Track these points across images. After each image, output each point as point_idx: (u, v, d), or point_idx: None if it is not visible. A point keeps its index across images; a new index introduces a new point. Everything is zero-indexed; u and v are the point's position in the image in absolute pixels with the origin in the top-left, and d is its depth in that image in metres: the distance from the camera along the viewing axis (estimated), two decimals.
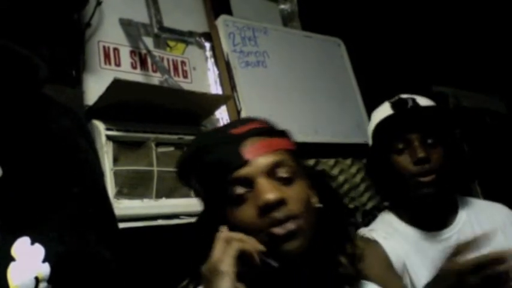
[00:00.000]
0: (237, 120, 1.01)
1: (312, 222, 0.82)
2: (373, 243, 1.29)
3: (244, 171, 0.81)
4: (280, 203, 0.78)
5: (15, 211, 0.50)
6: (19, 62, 0.59)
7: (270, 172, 0.81)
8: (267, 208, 0.78)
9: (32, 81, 0.59)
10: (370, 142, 1.36)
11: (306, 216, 0.81)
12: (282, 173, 0.82)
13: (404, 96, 1.30)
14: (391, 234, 1.30)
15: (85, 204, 0.58)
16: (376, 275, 1.19)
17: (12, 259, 0.49)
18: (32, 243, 0.50)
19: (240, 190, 0.80)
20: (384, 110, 1.30)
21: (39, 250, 0.50)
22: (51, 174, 0.55)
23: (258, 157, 0.82)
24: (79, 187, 0.58)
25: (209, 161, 0.84)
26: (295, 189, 0.82)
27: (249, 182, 0.81)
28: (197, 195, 0.90)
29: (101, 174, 0.66)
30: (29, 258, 0.50)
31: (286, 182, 0.82)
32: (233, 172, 0.81)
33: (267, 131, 0.88)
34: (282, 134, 0.91)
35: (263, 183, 0.79)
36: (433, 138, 1.24)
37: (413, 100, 1.27)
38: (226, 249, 0.72)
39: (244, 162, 0.81)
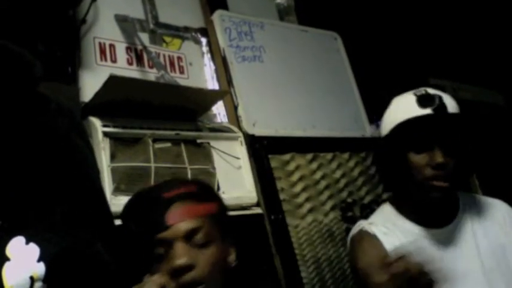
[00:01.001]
0: (172, 182, 1.11)
1: (222, 283, 0.96)
2: (373, 238, 1.29)
3: (164, 235, 0.94)
4: (189, 268, 0.91)
5: (10, 210, 0.50)
6: (13, 60, 0.59)
7: (187, 237, 0.95)
8: (176, 272, 0.91)
9: (26, 79, 0.59)
10: (385, 131, 1.33)
11: (215, 279, 0.94)
12: (198, 238, 0.95)
13: (431, 92, 1.27)
14: (391, 230, 1.31)
15: (81, 203, 0.58)
16: (371, 273, 1.19)
17: (7, 259, 0.48)
18: (27, 242, 0.50)
19: (160, 250, 0.94)
20: (409, 104, 1.27)
21: (34, 249, 0.50)
22: (47, 173, 0.55)
23: (179, 222, 0.95)
24: (75, 186, 0.57)
25: (141, 220, 0.98)
26: (208, 254, 0.96)
27: (169, 244, 0.94)
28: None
29: (97, 172, 0.66)
30: (23, 257, 0.49)
31: (202, 246, 0.96)
32: (157, 234, 0.94)
33: (194, 195, 1.01)
34: (210, 198, 1.05)
35: (178, 248, 0.93)
36: (453, 145, 1.24)
37: (440, 99, 1.25)
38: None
39: (166, 227, 0.94)
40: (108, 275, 0.61)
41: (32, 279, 0.51)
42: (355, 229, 1.36)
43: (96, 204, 0.62)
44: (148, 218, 0.97)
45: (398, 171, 1.29)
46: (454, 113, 1.26)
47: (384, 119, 1.35)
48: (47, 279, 0.52)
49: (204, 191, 1.08)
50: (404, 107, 1.28)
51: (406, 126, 1.26)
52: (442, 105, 1.24)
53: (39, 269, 0.52)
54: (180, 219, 0.96)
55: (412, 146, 1.25)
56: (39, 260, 0.51)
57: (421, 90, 1.28)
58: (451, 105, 1.26)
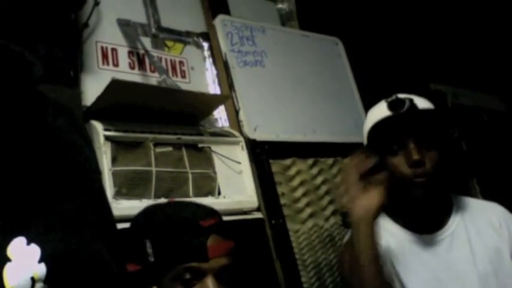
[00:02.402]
0: (202, 209, 1.11)
1: None
2: None
3: (201, 265, 0.99)
4: None
5: (10, 211, 0.50)
6: (12, 59, 0.59)
7: (219, 272, 1.00)
8: None
9: (25, 79, 0.59)
10: (365, 141, 1.36)
11: None
12: (226, 277, 1.02)
13: (401, 96, 1.29)
14: (383, 239, 1.30)
15: (82, 203, 0.58)
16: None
17: (7, 259, 0.48)
18: (28, 243, 0.50)
19: (188, 276, 0.98)
20: (381, 110, 1.29)
21: (35, 250, 0.50)
22: (47, 173, 0.55)
23: (217, 257, 1.01)
24: (75, 185, 0.57)
25: (170, 243, 1.01)
26: None
27: (200, 274, 0.99)
28: (141, 254, 1.03)
29: (98, 172, 0.65)
30: (25, 258, 0.49)
31: (227, 285, 1.02)
32: (190, 262, 0.99)
33: (222, 228, 1.06)
34: (230, 233, 1.09)
35: (210, 282, 0.99)
36: (428, 141, 1.24)
37: (411, 101, 1.26)
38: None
39: (206, 259, 0.99)
40: (109, 275, 0.61)
41: (33, 280, 0.51)
42: (348, 236, 1.36)
43: (96, 204, 0.61)
44: (183, 244, 1.00)
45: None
46: (424, 109, 1.26)
47: (363, 130, 1.37)
48: (48, 279, 0.52)
49: (223, 222, 1.11)
50: (376, 114, 1.30)
51: (378, 130, 1.28)
52: (412, 106, 1.25)
53: (40, 269, 0.52)
54: (218, 254, 1.01)
55: (387, 148, 1.26)
56: (40, 261, 0.51)
57: (392, 96, 1.30)
58: (422, 104, 1.27)
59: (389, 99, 1.29)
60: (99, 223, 0.60)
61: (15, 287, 0.49)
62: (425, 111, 1.27)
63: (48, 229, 0.52)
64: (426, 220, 1.32)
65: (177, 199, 1.46)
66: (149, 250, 1.01)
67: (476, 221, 1.32)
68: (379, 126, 1.28)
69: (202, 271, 0.99)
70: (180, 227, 1.02)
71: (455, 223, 1.32)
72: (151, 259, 1.01)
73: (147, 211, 1.13)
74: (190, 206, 1.13)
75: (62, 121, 0.60)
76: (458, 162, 1.36)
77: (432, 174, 1.22)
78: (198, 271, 0.99)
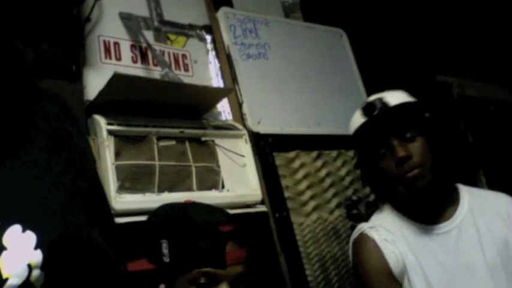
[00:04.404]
0: (220, 213, 1.12)
1: None
2: (373, 243, 1.29)
3: (219, 272, 0.99)
4: None
5: (4, 200, 0.50)
6: (8, 53, 0.59)
7: (235, 280, 1.01)
8: None
9: (16, 67, 0.59)
10: (354, 151, 1.38)
11: None
12: (239, 285, 1.02)
13: (372, 98, 1.31)
14: (391, 233, 1.30)
15: (76, 189, 0.57)
16: (373, 284, 1.22)
17: (3, 248, 0.48)
18: (23, 230, 0.50)
19: (204, 281, 0.99)
20: (357, 118, 1.32)
21: (30, 237, 0.50)
22: (40, 160, 0.54)
23: (234, 265, 1.01)
24: (69, 172, 0.57)
25: (188, 245, 1.01)
26: None
27: (215, 280, 0.99)
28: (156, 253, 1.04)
29: (92, 161, 0.65)
30: (20, 246, 0.49)
31: None
32: (207, 266, 0.99)
33: (237, 235, 1.06)
34: (244, 242, 1.10)
35: None
36: (410, 132, 1.24)
37: (381, 100, 1.27)
38: None
39: (224, 266, 0.99)
40: (105, 261, 0.61)
41: (30, 267, 0.51)
42: (356, 232, 1.36)
43: (91, 191, 0.61)
44: (201, 248, 1.00)
45: (378, 181, 1.31)
46: (396, 104, 1.26)
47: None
48: (44, 266, 0.52)
49: (239, 229, 1.11)
50: (354, 123, 1.34)
51: (358, 137, 1.32)
52: (383, 105, 1.26)
53: (37, 256, 0.51)
54: (235, 262, 1.02)
55: (373, 153, 1.26)
56: (36, 248, 0.51)
57: (364, 102, 1.32)
58: (395, 99, 1.27)
59: (362, 105, 1.31)
60: (94, 210, 0.60)
61: (12, 275, 0.49)
62: (396, 107, 1.27)
63: (43, 215, 0.52)
64: (433, 211, 1.31)
65: (183, 193, 1.46)
66: (165, 251, 1.01)
67: (484, 211, 1.32)
68: (358, 134, 1.31)
69: (218, 277, 0.99)
70: (199, 230, 1.02)
71: (462, 214, 1.31)
72: (166, 260, 1.01)
73: (165, 210, 1.13)
74: (208, 209, 1.13)
75: (54, 110, 0.60)
76: (464, 154, 1.35)
77: (423, 164, 1.22)
78: (214, 277, 0.99)
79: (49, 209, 0.53)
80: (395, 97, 1.29)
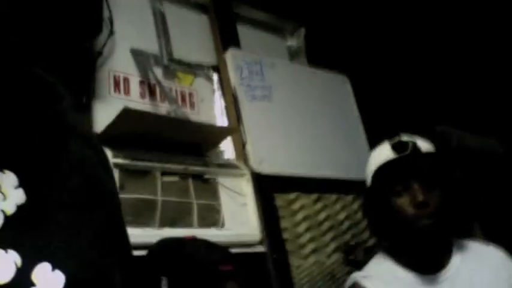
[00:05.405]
0: (221, 252, 1.15)
1: None
2: None
3: None
4: None
5: (37, 237, 0.51)
6: (45, 90, 0.61)
7: None
8: None
9: (55, 110, 0.61)
10: (368, 182, 1.37)
11: None
12: None
13: (404, 138, 1.31)
14: (385, 283, 1.30)
15: (104, 233, 0.58)
16: None
17: (32, 284, 0.49)
18: (53, 269, 0.50)
19: None
20: (384, 152, 1.31)
21: (59, 277, 0.51)
22: (72, 202, 0.56)
23: None
24: (98, 215, 0.58)
25: (189, 284, 1.02)
26: None
27: None
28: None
29: (119, 204, 0.66)
30: (49, 284, 0.50)
31: None
32: None
33: (237, 275, 1.08)
34: (244, 279, 1.11)
35: None
36: (432, 182, 1.25)
37: (414, 144, 1.29)
38: None
39: None
40: None
41: None
42: (350, 281, 1.35)
43: (118, 235, 0.62)
44: (200, 287, 1.02)
45: (386, 219, 1.31)
46: (426, 152, 1.28)
47: (366, 171, 1.39)
48: None
49: (239, 268, 1.12)
50: (380, 156, 1.32)
51: (383, 171, 1.29)
52: (415, 149, 1.27)
53: None
54: None
55: (392, 190, 1.27)
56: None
57: (395, 138, 1.32)
58: (425, 147, 1.29)
59: (393, 141, 1.31)
60: (119, 254, 0.60)
61: None
62: (428, 154, 1.29)
63: (72, 256, 0.52)
64: (429, 260, 1.31)
65: (183, 229, 1.46)
66: (164, 287, 1.01)
67: (476, 263, 1.32)
68: (384, 169, 1.30)
69: None
70: (199, 269, 1.03)
71: (456, 264, 1.31)
72: None
73: (166, 246, 1.13)
74: (209, 247, 1.13)
75: (87, 153, 0.62)
76: (462, 205, 1.37)
77: (437, 215, 1.23)
78: None
79: (78, 250, 0.54)
80: (425, 145, 1.30)
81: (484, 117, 3.31)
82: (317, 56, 2.43)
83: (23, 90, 0.59)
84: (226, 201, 1.66)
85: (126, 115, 1.41)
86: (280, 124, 2.02)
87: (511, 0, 2.98)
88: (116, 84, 1.68)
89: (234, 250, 1.54)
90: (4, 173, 0.51)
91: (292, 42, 2.46)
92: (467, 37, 3.13)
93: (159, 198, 1.47)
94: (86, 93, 1.56)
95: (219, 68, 2.01)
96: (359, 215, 2.03)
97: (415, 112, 2.68)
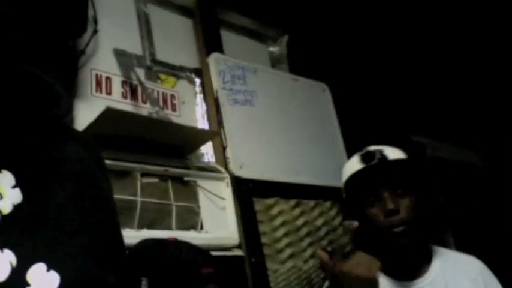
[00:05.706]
0: (202, 254, 1.15)
1: None
2: None
3: None
4: None
5: (33, 237, 0.51)
6: (43, 90, 0.61)
7: None
8: None
9: (53, 111, 0.61)
10: (343, 195, 1.40)
11: None
12: None
13: (371, 148, 1.34)
14: None
15: (100, 234, 0.59)
16: None
17: (27, 284, 0.49)
18: (48, 269, 0.50)
19: None
20: (353, 164, 1.34)
21: (54, 277, 0.50)
22: (68, 203, 0.56)
23: None
24: (94, 217, 0.59)
25: (169, 285, 1.03)
26: None
27: None
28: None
29: (114, 206, 0.67)
30: (44, 284, 0.50)
31: None
32: None
33: (219, 278, 1.10)
34: (224, 282, 1.13)
35: None
36: (402, 188, 1.27)
37: (381, 152, 1.31)
38: None
39: None
40: None
41: None
42: (325, 286, 1.37)
43: (113, 236, 0.63)
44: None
45: (361, 228, 1.33)
46: (393, 159, 1.31)
47: (341, 184, 1.41)
48: None
49: (219, 271, 1.13)
50: (350, 168, 1.35)
51: (352, 182, 1.33)
52: (383, 157, 1.30)
53: None
54: None
55: (366, 200, 1.29)
56: None
57: (364, 150, 1.35)
58: (393, 154, 1.32)
59: (361, 153, 1.34)
60: (113, 256, 0.61)
61: None
62: (396, 161, 1.32)
63: (67, 257, 0.52)
64: (407, 267, 1.33)
65: (162, 231, 1.45)
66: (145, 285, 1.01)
67: (454, 272, 1.35)
68: (353, 179, 1.33)
69: None
70: (181, 271, 1.03)
71: (434, 272, 1.33)
72: None
73: (148, 247, 1.13)
74: (191, 249, 1.13)
75: (84, 154, 0.62)
76: (434, 214, 1.39)
77: (409, 221, 1.25)
78: None
79: (74, 252, 0.53)
80: (394, 152, 1.33)
81: (466, 131, 3.38)
82: (298, 63, 2.46)
83: (22, 90, 0.59)
84: (206, 204, 1.66)
85: (109, 115, 1.40)
86: (261, 129, 2.03)
87: (486, 14, 3.06)
88: (98, 83, 1.67)
89: (212, 253, 1.55)
90: (1, 172, 0.51)
91: (275, 48, 2.48)
92: (446, 49, 3.20)
93: (139, 199, 1.47)
94: (68, 92, 1.55)
95: (201, 71, 2.02)
96: (336, 221, 2.05)
97: (391, 122, 2.72)
